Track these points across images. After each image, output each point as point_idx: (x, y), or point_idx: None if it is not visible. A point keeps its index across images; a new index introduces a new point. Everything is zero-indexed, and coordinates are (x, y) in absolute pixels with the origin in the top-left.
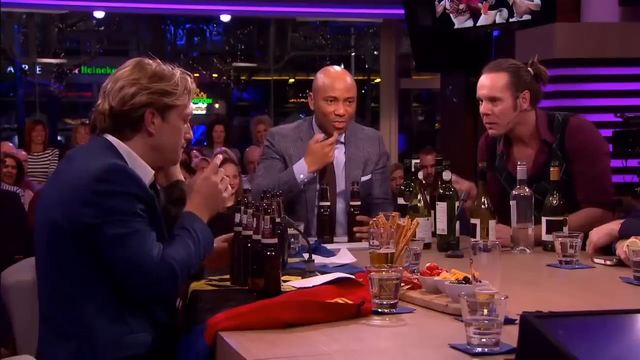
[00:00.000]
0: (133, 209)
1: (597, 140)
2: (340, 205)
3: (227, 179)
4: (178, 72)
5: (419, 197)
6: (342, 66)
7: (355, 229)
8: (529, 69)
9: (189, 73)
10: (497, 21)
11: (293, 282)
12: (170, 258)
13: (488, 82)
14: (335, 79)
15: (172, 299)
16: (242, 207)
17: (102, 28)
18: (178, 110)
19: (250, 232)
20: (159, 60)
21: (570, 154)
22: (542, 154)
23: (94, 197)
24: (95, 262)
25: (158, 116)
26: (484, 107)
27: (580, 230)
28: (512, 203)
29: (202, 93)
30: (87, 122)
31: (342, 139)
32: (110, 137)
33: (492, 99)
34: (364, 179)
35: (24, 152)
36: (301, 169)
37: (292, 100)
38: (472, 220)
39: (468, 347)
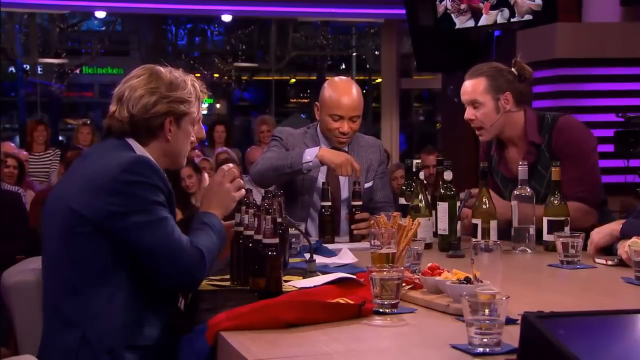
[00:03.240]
0: (158, 198)
1: (581, 139)
2: (344, 212)
3: (240, 181)
4: (189, 79)
5: (420, 197)
6: (343, 66)
7: (353, 226)
8: (512, 69)
9: (194, 76)
10: (498, 21)
11: (294, 282)
12: (199, 244)
13: (468, 87)
14: (342, 96)
15: (175, 298)
16: (243, 207)
17: (104, 28)
18: (190, 117)
19: (252, 232)
20: (169, 67)
21: (557, 154)
22: (530, 156)
23: (120, 186)
24: (110, 252)
25: (174, 124)
26: (467, 113)
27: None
28: (513, 203)
29: None
30: (89, 122)
31: (345, 148)
32: (128, 139)
33: (473, 104)
34: (366, 185)
35: (25, 152)
36: (311, 152)
37: (293, 100)
38: (474, 220)
39: (469, 347)
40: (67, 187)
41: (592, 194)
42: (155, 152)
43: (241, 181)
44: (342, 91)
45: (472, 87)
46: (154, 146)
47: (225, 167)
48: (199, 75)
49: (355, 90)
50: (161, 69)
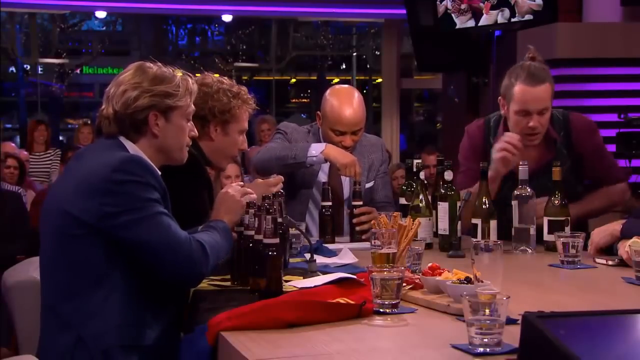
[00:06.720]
0: (151, 196)
1: (597, 132)
2: (347, 212)
3: (247, 189)
4: (179, 74)
5: (420, 197)
6: (344, 66)
7: (355, 220)
8: None
9: (191, 75)
10: (498, 21)
11: (295, 282)
12: (200, 239)
13: (542, 94)
14: (343, 111)
15: (177, 298)
16: None
17: (104, 28)
18: (181, 110)
19: (252, 232)
20: (160, 64)
21: (576, 149)
22: (548, 153)
23: (112, 187)
24: (105, 253)
25: (162, 118)
26: (535, 121)
27: (608, 206)
28: (514, 203)
29: None
30: (89, 121)
31: None
32: (120, 138)
33: (542, 111)
34: (367, 185)
35: (25, 152)
36: (317, 148)
37: (294, 100)
38: (474, 220)
39: (470, 347)
40: (61, 188)
41: (622, 173)
42: (147, 149)
43: (248, 189)
44: (344, 105)
45: (544, 93)
46: (144, 142)
47: (233, 184)
48: (199, 75)
49: (356, 103)
50: (150, 64)
